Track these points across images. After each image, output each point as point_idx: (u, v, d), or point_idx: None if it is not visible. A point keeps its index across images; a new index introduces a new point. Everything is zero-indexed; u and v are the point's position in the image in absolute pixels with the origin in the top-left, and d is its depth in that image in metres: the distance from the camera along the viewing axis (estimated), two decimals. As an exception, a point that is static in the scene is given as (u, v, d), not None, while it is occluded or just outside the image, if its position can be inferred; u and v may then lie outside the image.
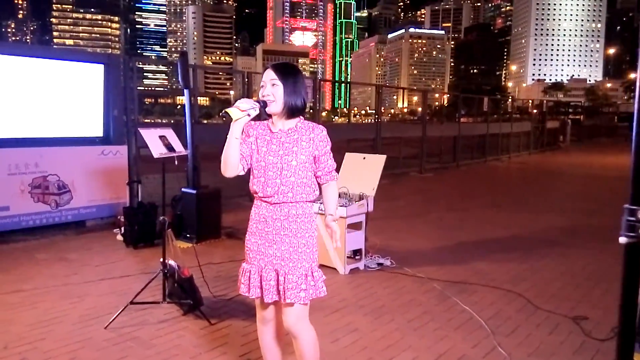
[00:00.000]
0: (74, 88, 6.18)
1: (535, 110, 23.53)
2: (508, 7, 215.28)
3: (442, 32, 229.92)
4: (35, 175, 5.72)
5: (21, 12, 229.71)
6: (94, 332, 3.27)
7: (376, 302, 3.91)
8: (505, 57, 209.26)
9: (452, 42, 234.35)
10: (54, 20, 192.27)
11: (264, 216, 2.24)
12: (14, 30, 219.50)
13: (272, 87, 2.17)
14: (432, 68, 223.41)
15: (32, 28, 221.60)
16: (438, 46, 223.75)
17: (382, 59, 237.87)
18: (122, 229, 5.52)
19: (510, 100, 23.60)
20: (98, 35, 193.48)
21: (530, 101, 24.86)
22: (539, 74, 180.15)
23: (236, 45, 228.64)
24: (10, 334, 3.22)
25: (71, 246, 5.44)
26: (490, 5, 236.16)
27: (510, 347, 3.15)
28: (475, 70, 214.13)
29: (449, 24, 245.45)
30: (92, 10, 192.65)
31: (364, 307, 3.82)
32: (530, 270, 4.82)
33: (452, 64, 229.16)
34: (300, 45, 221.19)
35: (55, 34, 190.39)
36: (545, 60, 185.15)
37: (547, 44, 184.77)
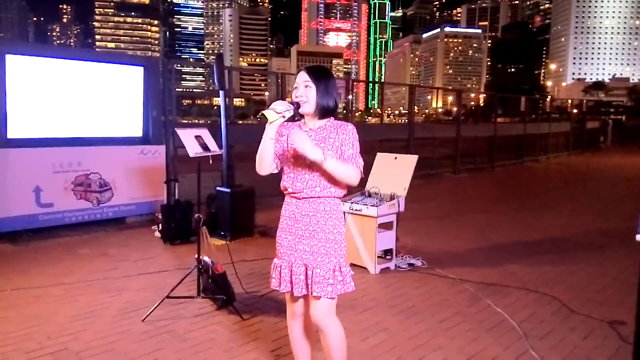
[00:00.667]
0: (115, 90, 6.41)
1: (574, 110, 22.86)
2: (547, 5, 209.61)
3: (479, 30, 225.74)
4: (78, 173, 5.96)
5: (65, 16, 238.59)
6: (132, 325, 3.40)
7: (406, 302, 3.91)
8: (544, 55, 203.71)
9: (489, 41, 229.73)
10: (96, 24, 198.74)
11: (294, 212, 2.31)
12: (58, 34, 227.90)
13: (305, 89, 2.24)
14: (468, 67, 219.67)
15: (75, 31, 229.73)
16: (474, 45, 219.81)
17: (416, 59, 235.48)
18: (160, 225, 5.69)
19: (548, 99, 22.99)
20: (138, 39, 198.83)
21: (569, 101, 24.17)
22: (579, 73, 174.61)
23: (271, 46, 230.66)
24: (53, 325, 3.38)
25: (111, 242, 5.64)
26: (528, 3, 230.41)
27: (543, 350, 3.11)
28: (512, 70, 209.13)
29: (486, 23, 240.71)
30: (133, 14, 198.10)
31: (394, 306, 3.83)
32: (566, 273, 4.72)
33: (488, 63, 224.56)
34: (334, 45, 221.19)
35: (97, 37, 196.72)
36: (586, 58, 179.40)
37: (587, 42, 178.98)
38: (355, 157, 2.26)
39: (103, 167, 6.18)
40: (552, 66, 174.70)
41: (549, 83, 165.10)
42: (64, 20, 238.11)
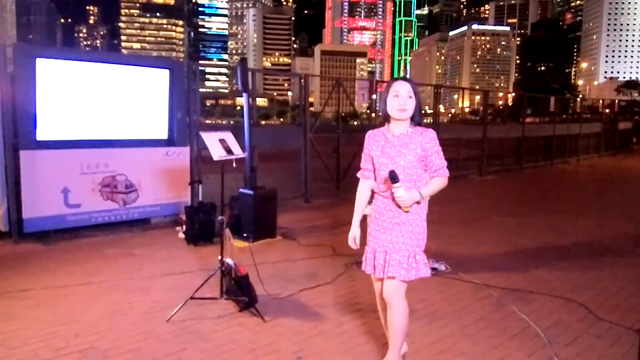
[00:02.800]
0: (141, 92, 6.52)
1: (606, 110, 22.25)
2: (578, 2, 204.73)
3: (507, 28, 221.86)
4: (105, 174, 6.09)
5: (92, 17, 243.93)
6: (157, 325, 3.46)
7: (429, 307, 3.88)
8: (575, 54, 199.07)
9: (518, 39, 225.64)
10: (122, 25, 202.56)
11: (380, 207, 2.70)
12: (85, 34, 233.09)
13: (408, 99, 2.58)
14: (496, 66, 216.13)
15: (102, 32, 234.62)
16: (503, 43, 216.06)
17: (442, 57, 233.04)
18: (184, 227, 5.77)
19: (579, 99, 22.46)
20: (163, 39, 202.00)
21: (600, 100, 23.56)
22: (612, 72, 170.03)
23: (294, 46, 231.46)
24: (81, 324, 3.47)
25: (137, 242, 5.75)
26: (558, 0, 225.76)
27: (568, 358, 3.05)
28: (542, 68, 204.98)
29: (515, 20, 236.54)
30: (158, 15, 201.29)
31: (416, 311, 3.80)
32: (594, 279, 4.61)
33: (517, 62, 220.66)
34: (359, 43, 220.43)
35: (123, 38, 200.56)
36: (619, 57, 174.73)
37: (620, 40, 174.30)
38: (442, 165, 2.61)
39: (129, 169, 6.29)
40: (584, 64, 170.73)
41: (580, 82, 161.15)
42: (91, 21, 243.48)
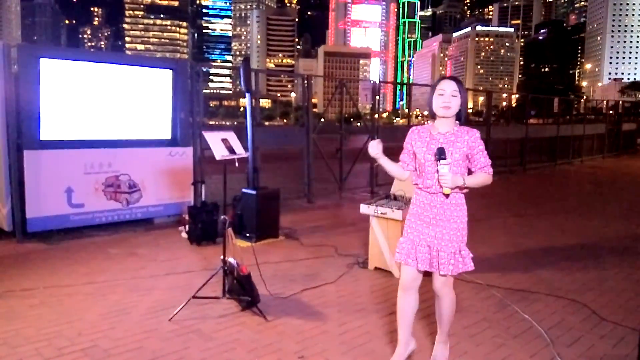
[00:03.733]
0: (145, 92, 6.53)
1: (610, 111, 22.16)
2: (582, 3, 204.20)
3: (511, 29, 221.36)
4: (108, 174, 6.11)
5: (97, 19, 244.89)
6: (159, 324, 3.47)
7: (432, 307, 3.82)
8: (579, 55, 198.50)
9: (522, 40, 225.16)
10: (126, 26, 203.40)
11: (423, 203, 2.75)
12: (90, 36, 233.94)
13: (452, 98, 2.64)
14: (499, 67, 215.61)
15: (106, 34, 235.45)
16: (506, 44, 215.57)
17: (446, 59, 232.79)
18: (187, 227, 5.78)
19: (583, 100, 22.38)
20: (167, 40, 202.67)
21: (604, 101, 23.47)
22: (616, 73, 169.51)
23: (298, 47, 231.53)
24: (84, 322, 3.47)
25: (140, 242, 5.76)
26: (562, 1, 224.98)
27: (571, 358, 3.04)
28: (546, 69, 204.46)
29: (518, 21, 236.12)
30: (162, 16, 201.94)
31: (420, 311, 3.74)
32: (597, 279, 4.59)
33: (521, 63, 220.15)
34: (362, 47, 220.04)
35: (127, 39, 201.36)
36: (623, 58, 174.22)
37: (625, 41, 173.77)
38: (487, 163, 2.69)
39: (132, 169, 6.31)
40: (588, 66, 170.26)
41: (584, 83, 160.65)
42: (95, 23, 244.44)
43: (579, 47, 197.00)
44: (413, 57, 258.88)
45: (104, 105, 6.16)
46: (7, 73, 5.47)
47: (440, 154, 2.56)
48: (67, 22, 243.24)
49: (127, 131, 6.41)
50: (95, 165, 5.99)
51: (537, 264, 5.08)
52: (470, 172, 2.72)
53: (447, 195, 2.65)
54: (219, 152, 3.96)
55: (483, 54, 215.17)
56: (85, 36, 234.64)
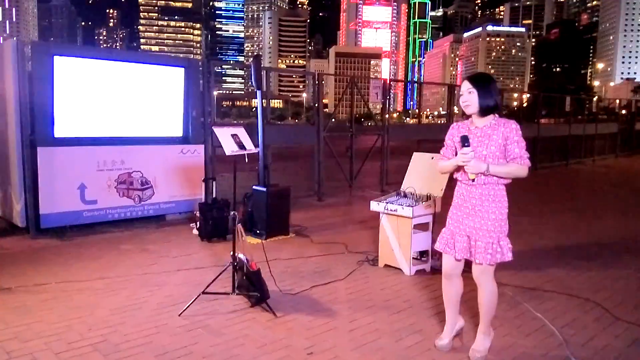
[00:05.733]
0: (157, 90, 6.57)
1: (623, 111, 21.88)
2: (594, 2, 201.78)
3: (523, 29, 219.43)
4: (121, 171, 6.15)
5: (112, 20, 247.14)
6: (169, 319, 3.48)
7: (441, 305, 3.78)
8: (591, 54, 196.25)
9: (533, 40, 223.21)
10: (141, 28, 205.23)
11: (463, 194, 2.89)
12: (105, 37, 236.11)
13: (468, 95, 2.77)
14: (511, 67, 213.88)
15: (121, 35, 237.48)
16: (518, 44, 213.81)
17: (457, 59, 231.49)
18: (198, 223, 5.80)
19: (595, 99, 22.13)
20: (181, 42, 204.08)
21: (617, 101, 23.19)
22: (629, 72, 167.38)
23: (309, 48, 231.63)
24: (95, 317, 3.50)
25: (152, 238, 5.79)
26: (574, 0, 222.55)
27: (585, 357, 3.00)
28: (558, 69, 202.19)
29: (530, 21, 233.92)
30: (176, 18, 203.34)
31: (429, 308, 3.77)
32: (611, 278, 4.53)
33: (533, 63, 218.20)
34: (373, 47, 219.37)
35: (142, 40, 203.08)
36: (636, 57, 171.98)
37: (637, 41, 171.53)
38: (521, 154, 2.73)
39: (145, 166, 6.34)
40: (600, 65, 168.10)
41: (596, 83, 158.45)
42: (110, 24, 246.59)
43: (591, 47, 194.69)
44: (424, 57, 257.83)
45: (117, 102, 6.21)
46: (21, 71, 5.53)
47: (464, 141, 2.70)
48: (83, 23, 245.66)
49: (140, 129, 6.45)
50: (108, 162, 6.04)
51: (549, 262, 5.03)
52: (507, 161, 2.79)
53: (472, 180, 2.77)
54: (229, 148, 3.97)
55: (494, 54, 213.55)
56: (101, 37, 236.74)
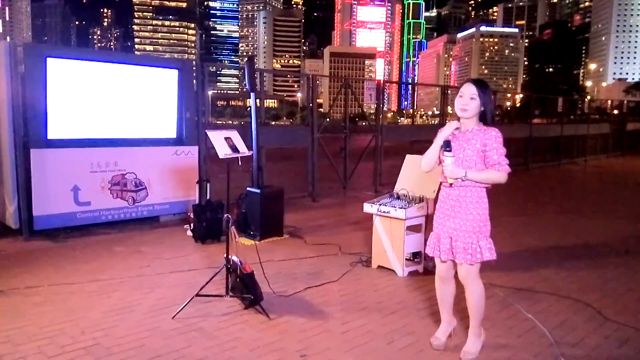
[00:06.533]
0: (151, 92, 6.57)
1: (615, 111, 22.04)
2: (587, 3, 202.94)
3: (516, 30, 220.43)
4: (114, 173, 6.14)
5: (106, 20, 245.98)
6: (162, 322, 3.48)
7: (434, 306, 3.83)
8: (583, 55, 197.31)
9: (527, 40, 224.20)
10: (135, 27, 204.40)
11: (443, 196, 2.96)
12: (99, 37, 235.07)
13: (470, 100, 2.80)
14: (504, 67, 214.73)
15: (115, 35, 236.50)
16: (511, 44, 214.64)
17: (450, 59, 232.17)
18: (192, 225, 5.80)
19: (587, 100, 22.28)
20: (176, 42, 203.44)
21: (609, 101, 23.34)
22: (621, 73, 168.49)
23: (304, 48, 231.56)
24: (87, 320, 3.49)
25: (145, 240, 5.78)
26: (567, 1, 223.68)
27: (575, 358, 3.03)
28: (550, 69, 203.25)
29: (523, 22, 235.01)
30: (170, 17, 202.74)
31: (421, 310, 3.80)
32: (601, 279, 4.57)
33: (526, 63, 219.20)
34: (367, 48, 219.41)
35: (136, 40, 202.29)
36: (628, 58, 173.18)
37: (629, 41, 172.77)
38: (500, 161, 2.78)
39: (138, 167, 6.34)
40: (592, 66, 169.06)
41: (588, 83, 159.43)
42: (105, 24, 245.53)
43: (584, 47, 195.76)
44: (418, 57, 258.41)
45: (111, 104, 6.20)
46: (13, 72, 5.51)
47: (446, 146, 2.76)
48: (77, 23, 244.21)
49: (133, 130, 6.45)
50: (102, 163, 6.03)
51: (541, 263, 5.06)
52: (487, 167, 2.84)
53: (450, 185, 2.85)
54: (222, 151, 3.99)
55: (487, 54, 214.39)
56: (95, 37, 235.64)
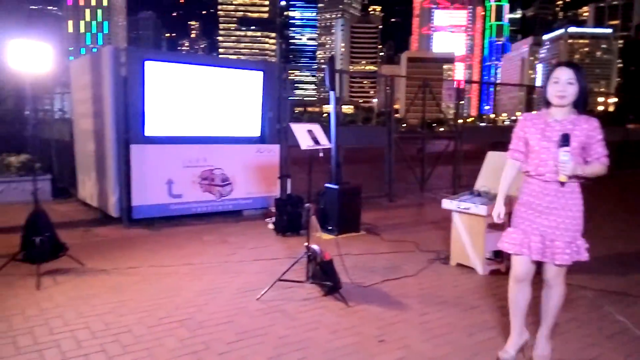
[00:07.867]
0: (237, 93, 6.92)
1: None
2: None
3: (609, 30, 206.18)
4: (204, 168, 6.54)
5: (194, 32, 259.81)
6: (248, 303, 3.70)
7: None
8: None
9: (621, 41, 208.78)
10: (220, 38, 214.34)
11: (535, 191, 2.68)
12: (187, 47, 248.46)
13: (568, 85, 2.56)
14: (595, 70, 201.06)
15: (202, 46, 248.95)
16: (603, 46, 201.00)
17: (536, 62, 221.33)
18: (273, 218, 6.04)
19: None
20: (257, 50, 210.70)
21: None
22: None
23: (381, 54, 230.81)
24: (181, 298, 3.78)
25: (231, 231, 6.11)
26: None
27: (671, 361, 2.86)
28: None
29: (617, 22, 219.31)
30: (253, 28, 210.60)
31: (503, 307, 3.71)
32: None
33: (619, 65, 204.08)
34: (446, 52, 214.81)
35: (220, 50, 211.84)
36: None
37: None
38: (604, 153, 2.59)
39: (225, 164, 6.70)
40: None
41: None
42: (192, 35, 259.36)
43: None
44: (500, 60, 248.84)
45: (201, 104, 6.61)
46: (116, 74, 6.04)
47: (565, 141, 2.48)
48: (167, 35, 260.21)
49: (221, 129, 6.83)
50: (193, 159, 6.44)
51: (633, 267, 4.78)
52: (585, 162, 2.62)
53: (562, 184, 2.58)
54: (305, 142, 4.14)
55: (577, 56, 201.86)
56: (184, 48, 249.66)
